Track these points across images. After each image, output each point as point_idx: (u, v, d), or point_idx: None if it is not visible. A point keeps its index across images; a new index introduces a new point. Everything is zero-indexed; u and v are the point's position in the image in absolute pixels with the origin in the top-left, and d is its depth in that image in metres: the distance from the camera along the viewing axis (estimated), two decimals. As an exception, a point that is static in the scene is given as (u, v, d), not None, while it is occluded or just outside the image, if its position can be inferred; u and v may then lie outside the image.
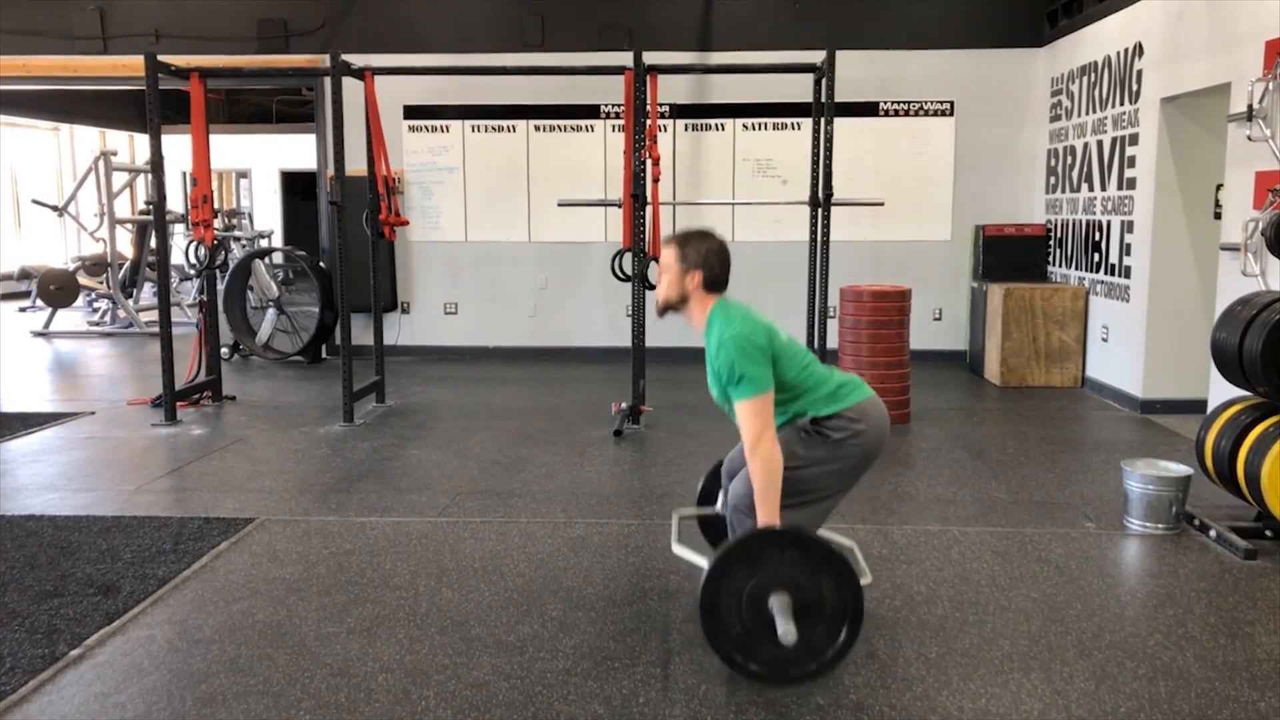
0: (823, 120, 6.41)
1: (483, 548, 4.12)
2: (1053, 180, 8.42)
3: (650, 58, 6.43)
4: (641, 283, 6.36)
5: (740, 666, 2.88)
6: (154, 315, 11.72)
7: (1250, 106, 5.22)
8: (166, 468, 5.42)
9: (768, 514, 2.89)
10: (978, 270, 8.56)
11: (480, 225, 9.16)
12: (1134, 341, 6.82)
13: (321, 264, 9.20)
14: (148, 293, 12.07)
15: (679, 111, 8.87)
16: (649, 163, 6.35)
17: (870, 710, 2.80)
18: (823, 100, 6.46)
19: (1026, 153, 8.79)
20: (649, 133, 6.32)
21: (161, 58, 6.37)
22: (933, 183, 8.83)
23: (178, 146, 11.70)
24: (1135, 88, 6.82)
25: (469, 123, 9.04)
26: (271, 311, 9.10)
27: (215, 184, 17.77)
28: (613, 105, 8.90)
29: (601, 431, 6.23)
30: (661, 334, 8.61)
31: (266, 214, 18.03)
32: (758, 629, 2.82)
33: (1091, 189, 7.57)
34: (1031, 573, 3.85)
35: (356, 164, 7.53)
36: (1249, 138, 5.26)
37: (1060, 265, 8.20)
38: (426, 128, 9.03)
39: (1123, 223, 7.03)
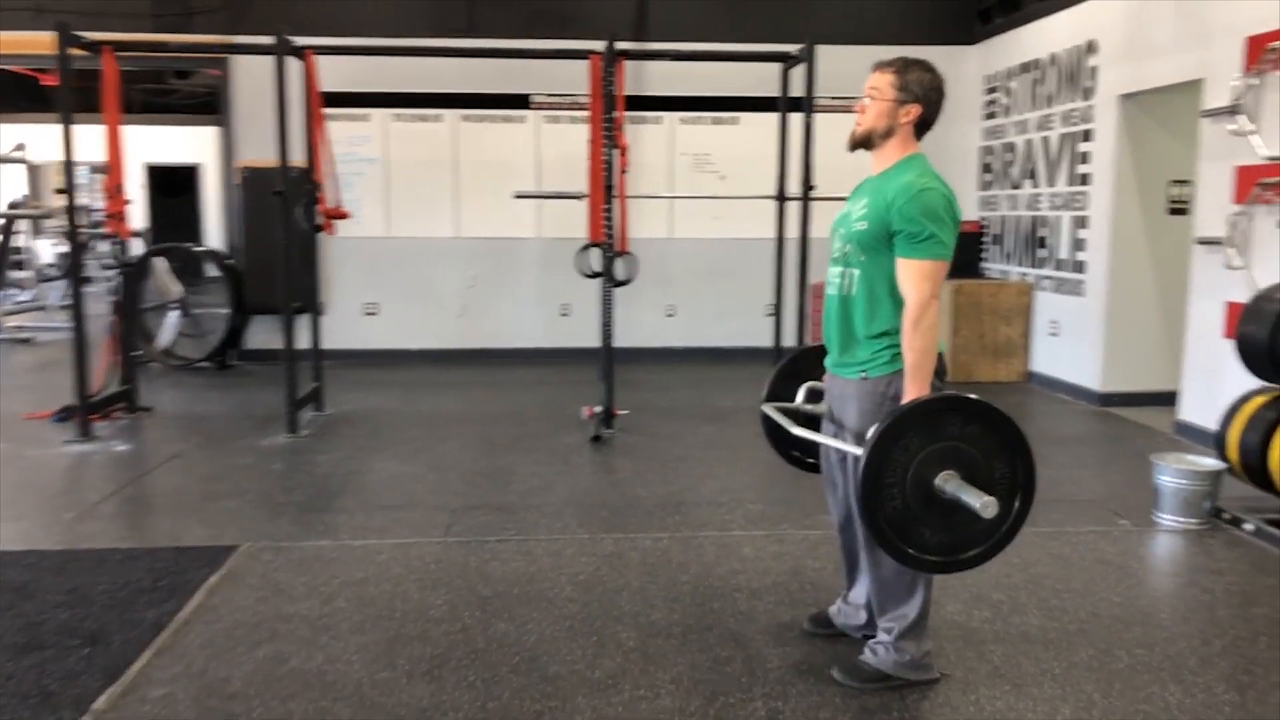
0: (792, 114, 6.23)
1: (513, 570, 3.72)
2: (987, 177, 8.48)
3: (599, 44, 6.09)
4: (609, 280, 6.02)
5: (907, 554, 2.53)
6: (19, 321, 10.65)
7: (1236, 101, 5.28)
8: (103, 490, 4.78)
9: (920, 387, 2.59)
10: (916, 267, 8.54)
11: (403, 220, 8.62)
12: (1090, 336, 6.89)
13: (230, 262, 8.47)
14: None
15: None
16: (616, 154, 6.02)
17: (1032, 737, 2.58)
18: (796, 92, 6.28)
19: (959, 150, 8.83)
20: (617, 122, 5.98)
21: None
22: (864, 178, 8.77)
23: (26, 135, 10.70)
24: (1089, 84, 6.89)
25: (391, 111, 8.49)
26: (174, 314, 8.32)
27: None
28: (546, 95, 8.51)
29: (574, 437, 5.86)
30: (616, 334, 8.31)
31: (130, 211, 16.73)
32: (920, 507, 2.50)
33: (1036, 185, 7.63)
34: (1099, 575, 3.72)
35: (257, 154, 6.90)
36: (1233, 133, 5.32)
37: (998, 261, 8.26)
38: (345, 116, 8.42)
39: (1074, 218, 7.10)
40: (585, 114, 8.42)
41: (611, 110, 5.86)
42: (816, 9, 8.58)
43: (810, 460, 3.30)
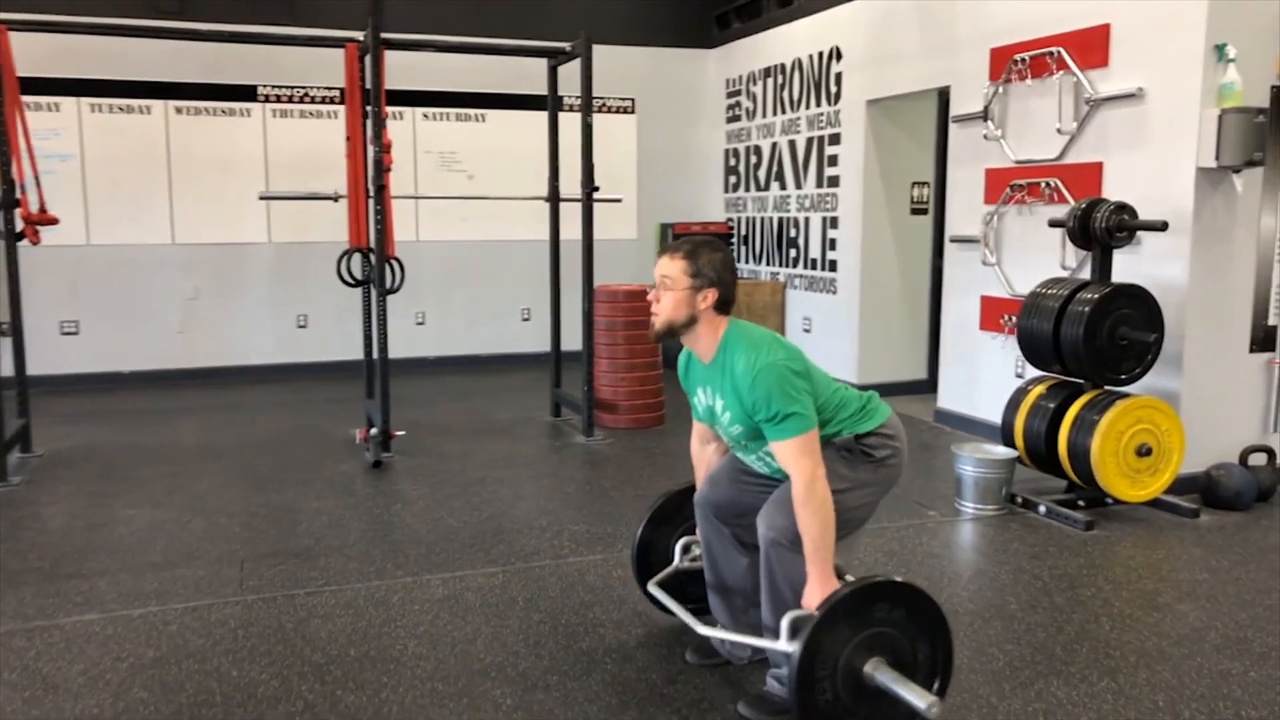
0: (555, 112, 6.01)
1: (339, 628, 3.24)
2: (733, 179, 8.67)
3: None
4: (380, 288, 5.52)
5: None
6: None
7: (986, 108, 5.64)
8: None
9: (824, 567, 2.49)
10: (668, 267, 8.58)
11: (107, 225, 7.54)
12: (845, 330, 7.17)
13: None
14: None
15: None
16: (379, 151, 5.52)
17: (963, 754, 2.51)
18: (562, 91, 6.06)
19: (704, 152, 8.99)
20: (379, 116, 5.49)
21: None
22: (618, 180, 8.70)
23: None
24: (834, 90, 7.16)
25: (87, 101, 7.40)
26: None
27: None
28: (274, 87, 7.76)
29: (349, 464, 5.33)
30: (349, 346, 7.74)
31: None
32: (851, 698, 2.40)
33: (784, 187, 7.87)
34: (936, 569, 3.79)
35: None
36: (985, 137, 5.67)
37: (748, 261, 8.46)
38: (29, 105, 7.23)
39: (825, 219, 7.37)
40: (319, 107, 7.84)
41: (378, 103, 5.36)
42: (558, 8, 8.38)
43: (690, 606, 3.03)
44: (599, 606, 3.42)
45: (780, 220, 7.95)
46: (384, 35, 5.44)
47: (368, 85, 5.54)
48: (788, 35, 7.74)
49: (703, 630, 2.76)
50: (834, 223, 7.28)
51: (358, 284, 5.86)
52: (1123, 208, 4.39)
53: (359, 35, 5.65)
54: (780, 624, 2.46)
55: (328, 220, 7.94)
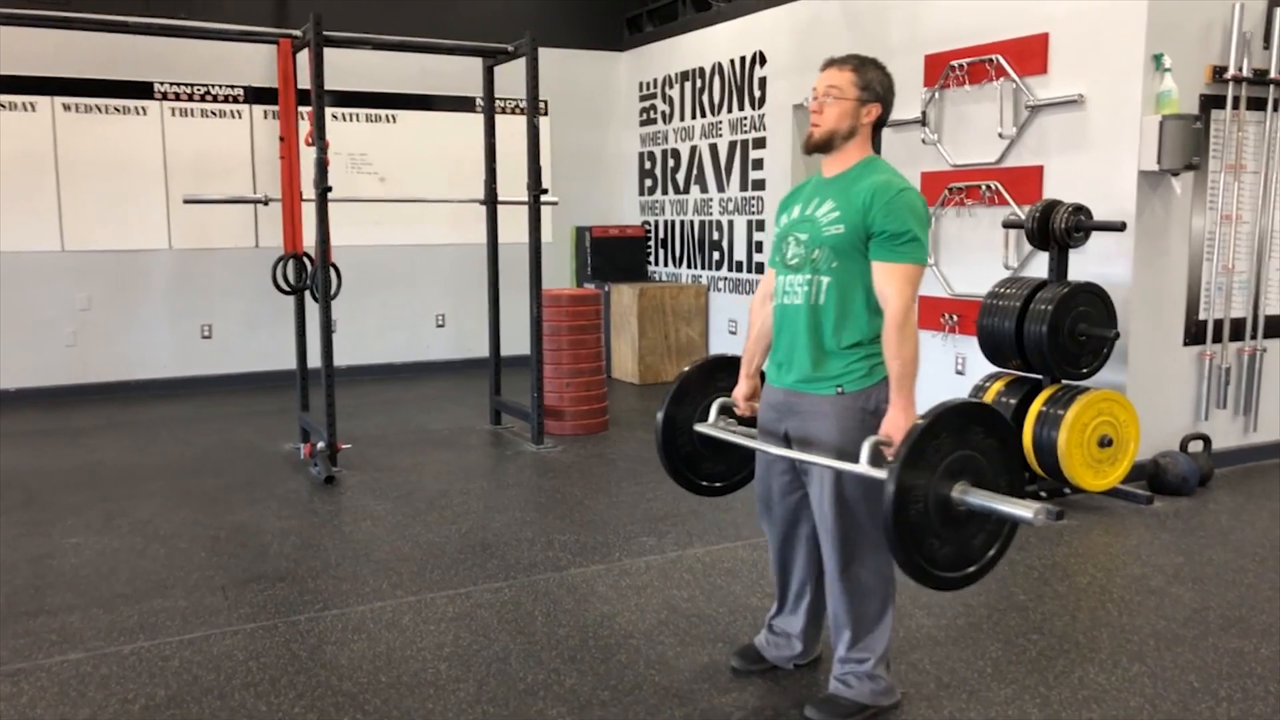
0: (493, 114, 5.88)
1: (359, 653, 3.06)
2: (649, 182, 8.66)
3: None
4: (324, 295, 5.28)
5: (916, 565, 2.36)
6: None
7: (923, 113, 5.79)
8: None
9: (909, 396, 2.47)
10: (585, 271, 8.53)
11: (-12, 231, 6.98)
12: (774, 333, 7.25)
13: None
14: None
15: (256, 95, 7.57)
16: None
17: (1039, 745, 2.55)
18: (499, 93, 5.93)
19: (615, 154, 8.96)
20: (306, 115, 5.26)
21: None
22: (532, 183, 8.59)
23: None
24: (759, 94, 7.24)
25: (-37, 96, 6.83)
26: None
27: None
28: (173, 85, 7.33)
29: (296, 480, 5.08)
30: (258, 357, 7.43)
31: None
32: (937, 517, 2.37)
33: (705, 190, 7.91)
34: (935, 565, 3.85)
35: None
36: (922, 141, 5.83)
37: (667, 264, 8.47)
38: (-102, 99, 6.64)
39: (750, 222, 7.44)
40: (221, 106, 7.47)
41: (320, 103, 5.12)
42: (466, 8, 8.20)
43: (719, 485, 3.07)
44: (621, 617, 3.33)
45: (702, 223, 7.99)
46: (328, 34, 5.21)
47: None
48: (706, 39, 7.79)
49: (760, 445, 2.73)
50: (759, 225, 7.35)
51: (292, 291, 5.58)
52: (1080, 209, 4.57)
53: (265, 30, 5.43)
54: (861, 453, 2.43)
55: (232, 225, 7.60)
